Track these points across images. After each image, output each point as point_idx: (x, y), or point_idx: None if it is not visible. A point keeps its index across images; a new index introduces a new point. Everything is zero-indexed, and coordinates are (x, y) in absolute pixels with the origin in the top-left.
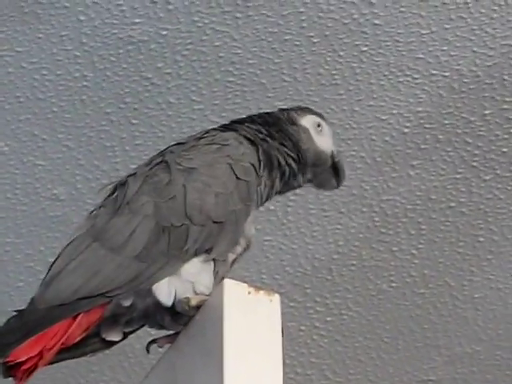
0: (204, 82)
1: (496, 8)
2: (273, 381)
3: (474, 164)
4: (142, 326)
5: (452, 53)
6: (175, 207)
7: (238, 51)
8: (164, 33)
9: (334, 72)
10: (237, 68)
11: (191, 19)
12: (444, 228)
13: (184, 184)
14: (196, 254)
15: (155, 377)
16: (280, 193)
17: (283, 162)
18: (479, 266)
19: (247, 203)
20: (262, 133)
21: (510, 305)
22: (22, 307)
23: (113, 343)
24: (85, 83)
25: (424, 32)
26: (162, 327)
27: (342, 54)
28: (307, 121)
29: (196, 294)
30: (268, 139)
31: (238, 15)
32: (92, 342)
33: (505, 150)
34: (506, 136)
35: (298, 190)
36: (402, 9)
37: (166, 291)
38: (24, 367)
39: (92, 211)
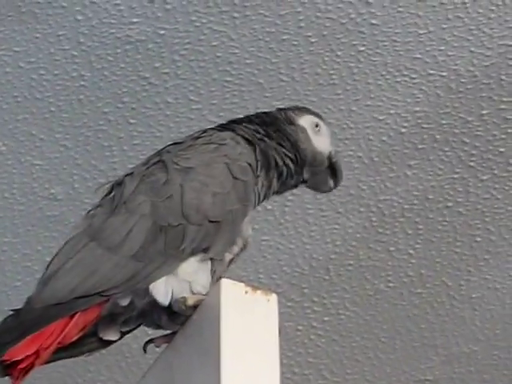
0: (202, 81)
1: (494, 8)
2: (270, 380)
3: (472, 164)
4: (139, 325)
5: (449, 53)
6: (172, 207)
7: (235, 51)
8: (162, 32)
9: (331, 72)
10: (234, 68)
11: (189, 19)
12: (441, 228)
13: (181, 183)
14: (193, 254)
15: (152, 376)
16: (277, 193)
17: (281, 162)
18: (476, 266)
19: (244, 203)
20: (259, 132)
21: (507, 305)
22: (20, 307)
23: (110, 342)
24: (82, 83)
25: (421, 32)
26: (158, 327)
27: (339, 53)
28: (305, 121)
29: (193, 293)
30: (265, 139)
31: (236, 15)
32: (89, 341)
33: (502, 150)
34: (503, 136)
35: (295, 190)
36: (400, 9)
37: (162, 291)
38: (20, 366)
39: (89, 211)
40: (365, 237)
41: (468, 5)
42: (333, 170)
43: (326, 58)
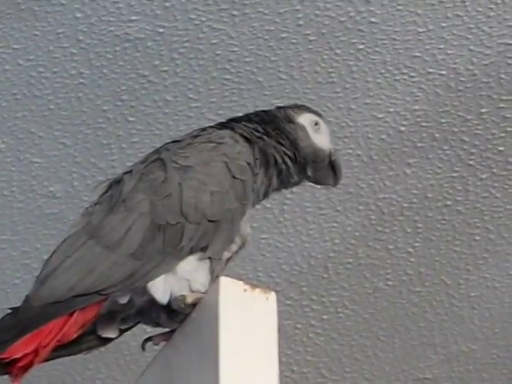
0: (201, 79)
1: (493, 6)
2: (268, 379)
3: (471, 162)
4: (138, 323)
5: (449, 51)
6: (171, 205)
7: (234, 49)
8: (161, 30)
9: (330, 70)
10: (233, 66)
11: (188, 17)
12: (440, 226)
13: (180, 182)
14: (191, 252)
15: (151, 374)
16: (276, 190)
17: (280, 160)
18: (475, 265)
19: (243, 202)
20: (258, 131)
21: (506, 303)
22: (19, 305)
23: (108, 340)
24: (81, 80)
25: (421, 30)
26: (157, 325)
27: (338, 52)
28: (304, 119)
29: (192, 291)
30: (264, 137)
31: (235, 13)
32: (88, 339)
33: (501, 148)
34: (502, 134)
35: (294, 188)
36: (399, 7)
37: (161, 289)
38: (19, 364)
39: (87, 208)
40: (364, 235)
41: (467, 3)
42: (332, 168)
43: (325, 57)
